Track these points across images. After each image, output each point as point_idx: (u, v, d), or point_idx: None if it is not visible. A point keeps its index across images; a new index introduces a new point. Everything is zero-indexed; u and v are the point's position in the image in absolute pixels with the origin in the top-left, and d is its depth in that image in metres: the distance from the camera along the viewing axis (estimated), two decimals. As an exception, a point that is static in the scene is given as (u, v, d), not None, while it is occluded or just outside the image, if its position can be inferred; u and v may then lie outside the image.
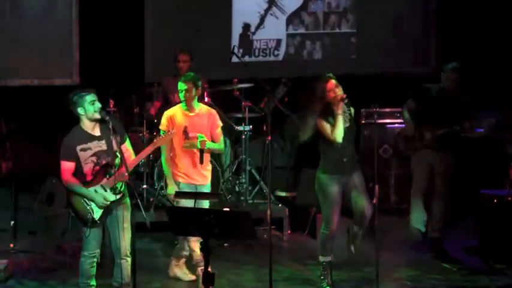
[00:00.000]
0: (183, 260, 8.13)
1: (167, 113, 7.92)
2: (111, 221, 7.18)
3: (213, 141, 7.84)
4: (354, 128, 7.71)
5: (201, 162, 7.76)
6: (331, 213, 7.66)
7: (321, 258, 7.79)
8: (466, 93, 8.85)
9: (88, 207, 7.06)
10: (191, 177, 7.80)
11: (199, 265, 7.79)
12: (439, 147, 8.82)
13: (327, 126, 7.53)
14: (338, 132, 7.50)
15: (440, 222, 8.98)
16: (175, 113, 7.87)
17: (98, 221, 7.08)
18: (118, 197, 7.10)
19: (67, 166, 7.05)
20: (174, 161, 7.84)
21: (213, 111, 8.00)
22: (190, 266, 8.06)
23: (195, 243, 7.76)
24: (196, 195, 7.48)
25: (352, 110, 7.75)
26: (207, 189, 7.91)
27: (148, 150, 7.40)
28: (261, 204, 9.85)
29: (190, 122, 7.81)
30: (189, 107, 7.82)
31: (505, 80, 10.75)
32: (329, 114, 7.55)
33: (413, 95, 8.99)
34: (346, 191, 7.66)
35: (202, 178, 7.86)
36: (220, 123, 7.97)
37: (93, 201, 7.04)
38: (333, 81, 7.56)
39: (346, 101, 7.51)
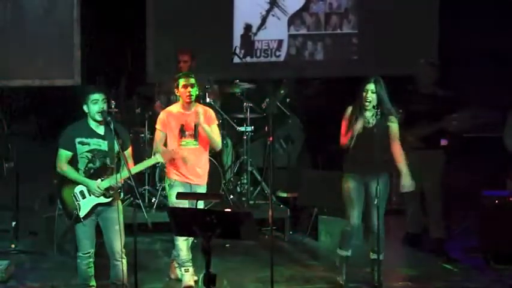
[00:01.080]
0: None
1: (164, 111, 7.93)
2: (102, 224, 7.22)
3: None
4: (380, 132, 7.58)
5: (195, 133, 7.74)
6: (348, 210, 7.70)
7: (338, 251, 7.86)
8: (443, 88, 8.83)
9: (76, 203, 7.08)
10: (186, 176, 7.78)
11: (184, 265, 7.79)
12: (426, 147, 8.80)
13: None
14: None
15: (440, 222, 8.98)
16: (172, 111, 7.88)
17: (82, 219, 7.08)
18: (107, 200, 7.11)
19: (63, 154, 7.07)
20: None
21: (209, 109, 7.98)
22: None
23: (182, 243, 7.75)
24: (199, 196, 7.48)
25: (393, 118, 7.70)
26: (202, 190, 7.85)
27: (147, 163, 7.40)
28: (262, 204, 9.83)
29: (188, 120, 7.80)
30: (187, 105, 7.80)
31: (505, 80, 10.75)
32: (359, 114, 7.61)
33: (403, 104, 8.89)
34: (368, 191, 7.68)
35: (198, 178, 7.82)
36: (217, 121, 7.98)
37: (87, 186, 7.02)
38: (372, 84, 7.56)
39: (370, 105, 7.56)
